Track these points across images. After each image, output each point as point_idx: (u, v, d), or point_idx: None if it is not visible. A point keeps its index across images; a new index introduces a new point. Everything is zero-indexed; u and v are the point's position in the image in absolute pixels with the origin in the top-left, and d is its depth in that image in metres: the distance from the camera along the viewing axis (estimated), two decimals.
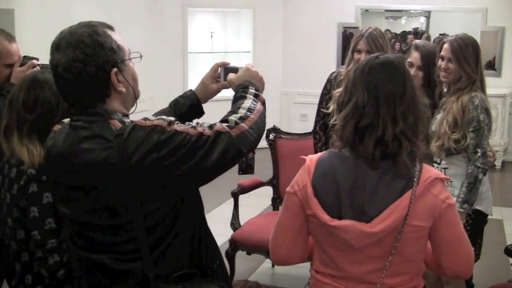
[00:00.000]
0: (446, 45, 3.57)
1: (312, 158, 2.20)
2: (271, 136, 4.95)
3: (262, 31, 9.76)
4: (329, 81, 4.21)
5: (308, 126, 5.49)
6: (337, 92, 4.01)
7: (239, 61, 9.79)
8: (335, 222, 2.09)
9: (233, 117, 1.97)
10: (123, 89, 2.03)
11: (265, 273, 5.02)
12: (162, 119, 1.93)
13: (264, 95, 2.25)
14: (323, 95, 4.22)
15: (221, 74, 2.45)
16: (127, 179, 1.85)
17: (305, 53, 9.75)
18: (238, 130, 1.93)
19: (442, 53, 3.58)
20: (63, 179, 1.99)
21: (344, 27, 9.69)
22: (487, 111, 3.46)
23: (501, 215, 6.44)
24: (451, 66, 3.52)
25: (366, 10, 9.74)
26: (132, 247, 1.93)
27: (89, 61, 1.90)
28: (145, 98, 8.74)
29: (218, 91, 2.49)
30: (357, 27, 9.47)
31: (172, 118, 1.94)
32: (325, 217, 2.10)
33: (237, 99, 2.12)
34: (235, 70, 2.36)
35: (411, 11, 10.04)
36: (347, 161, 2.12)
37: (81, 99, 1.97)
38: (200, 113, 2.50)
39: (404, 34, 10.04)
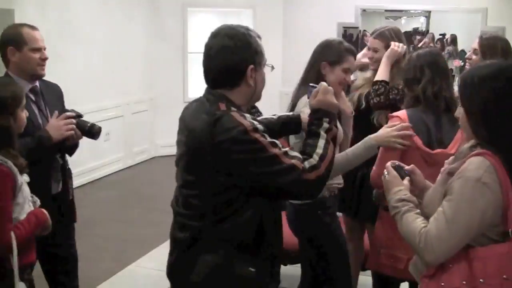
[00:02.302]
0: (477, 39, 3.69)
1: (402, 114, 3.17)
2: None
3: (262, 31, 9.55)
4: None
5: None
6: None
7: None
8: (435, 151, 3.09)
9: (307, 164, 2.24)
10: (252, 84, 2.37)
11: None
12: (252, 122, 2.25)
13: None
14: None
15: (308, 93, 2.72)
16: (209, 151, 2.23)
17: (305, 53, 9.59)
18: (307, 176, 2.22)
19: (472, 45, 3.71)
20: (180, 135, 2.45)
21: (344, 27, 9.68)
22: None
23: None
24: (475, 57, 3.60)
25: (366, 10, 9.74)
26: (197, 203, 2.33)
27: (237, 52, 2.32)
28: (144, 98, 8.84)
29: None
30: (357, 27, 9.47)
31: (261, 127, 2.26)
32: (427, 149, 3.10)
33: (311, 135, 2.38)
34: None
35: (411, 11, 10.04)
36: (429, 113, 3.17)
37: (218, 79, 2.37)
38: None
39: (408, 34, 10.01)
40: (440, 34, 9.72)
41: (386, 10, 9.91)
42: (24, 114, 2.86)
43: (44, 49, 3.45)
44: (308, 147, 2.31)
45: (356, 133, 3.61)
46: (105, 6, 8.02)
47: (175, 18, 9.35)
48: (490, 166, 2.11)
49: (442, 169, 2.39)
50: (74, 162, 3.84)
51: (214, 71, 2.37)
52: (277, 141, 2.24)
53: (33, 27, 3.45)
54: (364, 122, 3.81)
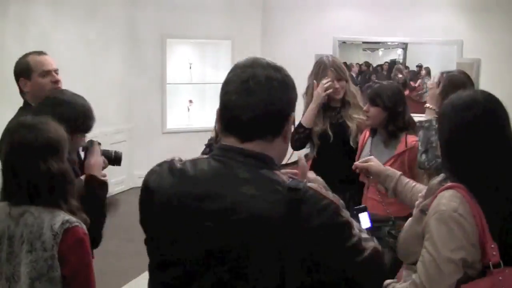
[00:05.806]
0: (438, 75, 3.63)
1: None
2: None
3: None
4: None
5: (286, 157, 5.45)
6: None
7: (217, 93, 9.79)
8: None
9: (372, 244, 1.77)
10: (288, 137, 1.83)
11: None
12: (336, 197, 1.72)
13: None
14: None
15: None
16: (286, 242, 1.61)
17: None
18: (384, 260, 1.81)
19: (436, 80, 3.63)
20: (186, 228, 1.72)
21: None
22: None
23: None
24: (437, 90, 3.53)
25: (344, 42, 9.83)
26: None
27: (285, 91, 1.80)
28: (123, 129, 8.80)
29: None
30: None
31: (341, 202, 1.74)
32: None
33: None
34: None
35: (388, 43, 10.15)
36: None
37: (260, 124, 1.73)
38: None
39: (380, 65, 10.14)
40: (417, 66, 9.83)
41: (363, 42, 10.01)
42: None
43: (56, 71, 3.40)
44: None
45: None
46: (84, 37, 8.03)
47: (154, 49, 9.36)
48: (462, 199, 2.06)
49: (417, 202, 2.33)
50: None
51: (257, 111, 1.71)
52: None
53: (40, 53, 3.44)
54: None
